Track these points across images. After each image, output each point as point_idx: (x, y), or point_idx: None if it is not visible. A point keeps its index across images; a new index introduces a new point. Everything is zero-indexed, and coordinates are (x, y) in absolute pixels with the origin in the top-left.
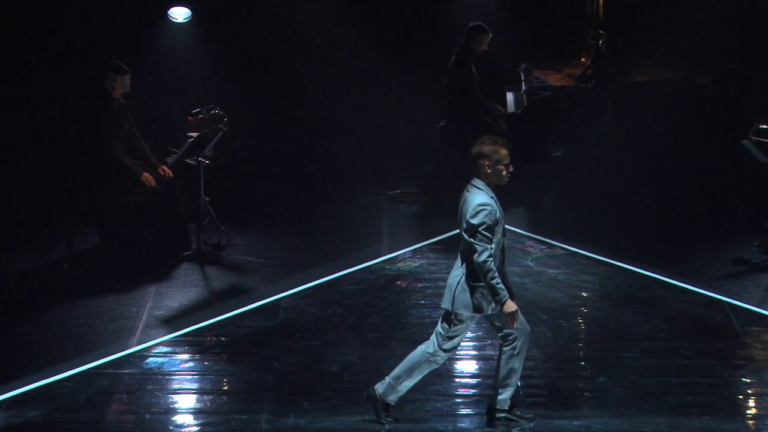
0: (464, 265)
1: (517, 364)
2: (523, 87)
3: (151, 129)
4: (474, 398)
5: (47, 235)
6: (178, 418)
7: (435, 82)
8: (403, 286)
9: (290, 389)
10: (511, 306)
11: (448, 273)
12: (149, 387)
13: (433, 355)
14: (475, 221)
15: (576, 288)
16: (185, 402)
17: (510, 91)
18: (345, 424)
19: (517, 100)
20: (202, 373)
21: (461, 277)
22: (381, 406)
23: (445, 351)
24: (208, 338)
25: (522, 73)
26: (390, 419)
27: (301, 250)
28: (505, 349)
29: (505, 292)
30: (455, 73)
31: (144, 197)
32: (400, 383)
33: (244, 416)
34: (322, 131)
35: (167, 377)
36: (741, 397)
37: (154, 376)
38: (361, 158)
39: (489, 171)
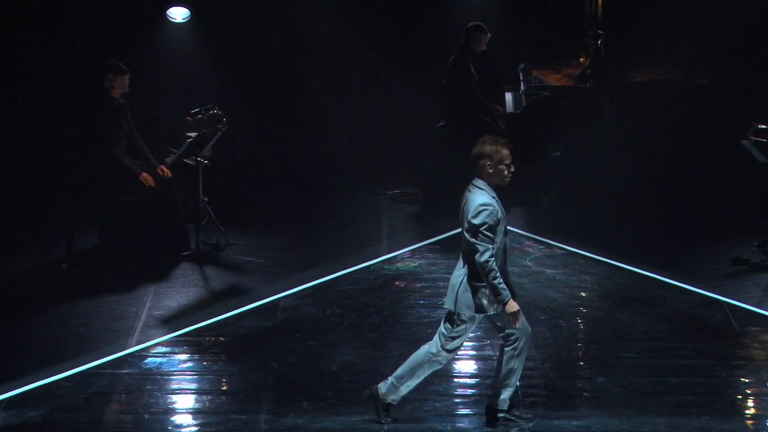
0: (466, 265)
1: (518, 364)
2: (522, 87)
3: (150, 129)
4: (473, 398)
5: (46, 235)
6: (177, 418)
7: (434, 82)
8: (402, 286)
9: (289, 389)
10: (513, 306)
11: (448, 273)
12: (148, 387)
13: (436, 355)
14: (476, 221)
15: (575, 288)
16: (184, 402)
17: (509, 91)
18: (344, 424)
19: (516, 100)
20: (201, 373)
21: (464, 278)
22: (382, 405)
23: (448, 351)
24: (207, 338)
25: (521, 73)
26: (389, 419)
27: (300, 250)
28: (506, 349)
29: (507, 292)
30: (454, 73)
31: (143, 197)
32: (402, 383)
33: (243, 416)
34: (321, 131)
35: (166, 377)
36: (740, 397)
37: (153, 376)
38: (361, 158)
39: (490, 171)
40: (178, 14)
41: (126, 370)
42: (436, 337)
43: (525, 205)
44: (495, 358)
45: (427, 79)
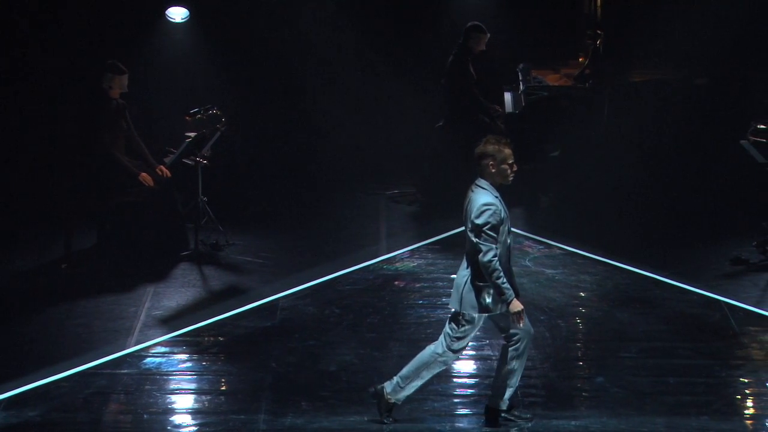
0: (471, 265)
1: (518, 365)
2: (521, 87)
3: (149, 129)
4: (472, 398)
5: (45, 235)
6: (176, 418)
7: (433, 82)
8: (401, 286)
9: (288, 389)
10: (517, 305)
11: (447, 273)
12: (147, 387)
13: (441, 355)
14: (479, 221)
15: (574, 288)
16: (183, 402)
17: (508, 91)
18: (343, 424)
19: (515, 100)
20: (200, 373)
21: (468, 278)
22: (386, 404)
23: (453, 351)
24: (206, 338)
25: (520, 73)
26: (391, 419)
27: (299, 250)
28: (508, 349)
29: (511, 292)
30: (453, 73)
31: (142, 197)
32: (408, 383)
33: (242, 416)
34: (320, 131)
35: (165, 377)
36: (739, 396)
37: (152, 376)
38: (360, 158)
39: (493, 171)
40: (177, 14)
41: (125, 370)
42: (441, 337)
43: (524, 205)
44: (494, 358)
45: (426, 79)
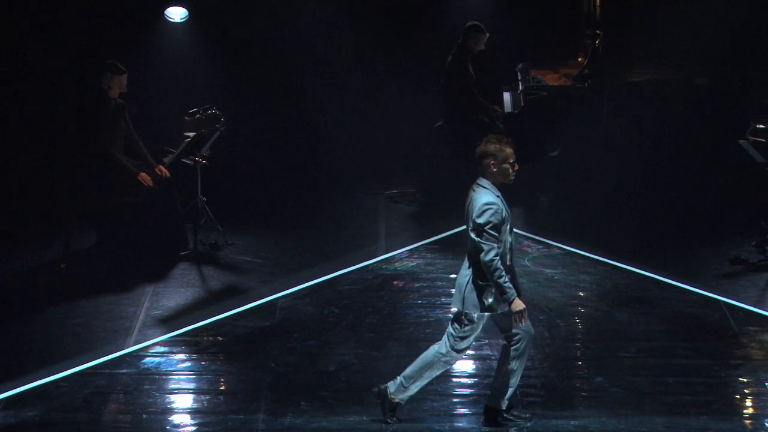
0: (473, 265)
1: (518, 365)
2: (520, 87)
3: (149, 129)
4: (471, 398)
5: (45, 235)
6: (175, 418)
7: (433, 82)
8: (400, 286)
9: (287, 389)
10: (519, 305)
11: (446, 273)
12: (146, 387)
13: (445, 355)
14: (481, 220)
15: (573, 288)
16: (182, 402)
17: (507, 90)
18: (342, 424)
19: (514, 99)
20: (199, 373)
21: (470, 277)
22: (389, 404)
23: (457, 351)
24: (205, 338)
25: (519, 73)
26: (394, 419)
27: (298, 249)
28: (509, 349)
29: (513, 291)
30: (452, 72)
31: (141, 197)
32: (411, 383)
33: (241, 416)
34: (320, 131)
35: (164, 377)
36: (738, 396)
37: (151, 376)
38: (359, 158)
39: (494, 170)
40: (177, 14)
41: (124, 370)
42: (444, 337)
43: (523, 205)
44: (493, 357)
45: (426, 79)
